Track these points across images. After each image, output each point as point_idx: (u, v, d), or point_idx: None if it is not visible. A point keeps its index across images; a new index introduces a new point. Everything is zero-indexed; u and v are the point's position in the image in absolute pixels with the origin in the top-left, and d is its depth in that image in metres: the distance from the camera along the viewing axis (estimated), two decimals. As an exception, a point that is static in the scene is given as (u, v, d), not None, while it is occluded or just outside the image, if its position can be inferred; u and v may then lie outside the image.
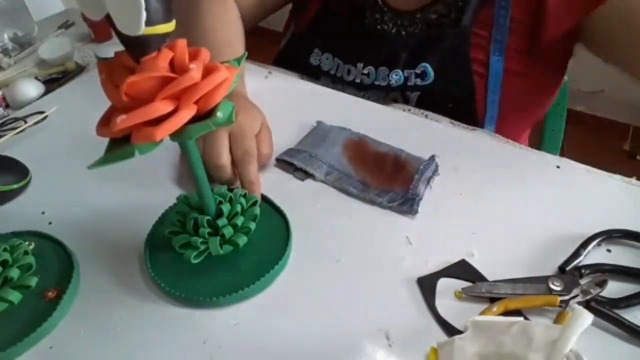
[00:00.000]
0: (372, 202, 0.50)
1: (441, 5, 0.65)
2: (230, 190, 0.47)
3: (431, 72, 0.65)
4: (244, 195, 0.46)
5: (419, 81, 0.66)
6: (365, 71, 0.69)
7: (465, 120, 0.62)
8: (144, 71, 0.29)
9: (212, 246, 0.42)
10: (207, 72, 0.31)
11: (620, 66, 0.58)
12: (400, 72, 0.67)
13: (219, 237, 0.43)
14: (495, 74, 0.64)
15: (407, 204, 0.49)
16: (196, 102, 0.31)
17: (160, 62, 0.30)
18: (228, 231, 0.43)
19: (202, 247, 0.43)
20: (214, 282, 0.43)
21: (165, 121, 0.30)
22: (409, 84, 0.67)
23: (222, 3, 0.71)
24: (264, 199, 0.51)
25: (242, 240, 0.44)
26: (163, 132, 0.30)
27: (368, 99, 0.67)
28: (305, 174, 0.54)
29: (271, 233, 0.47)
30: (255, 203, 0.46)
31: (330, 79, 0.72)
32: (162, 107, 0.30)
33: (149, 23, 0.27)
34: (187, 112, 0.31)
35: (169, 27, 0.29)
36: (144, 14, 0.26)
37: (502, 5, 0.62)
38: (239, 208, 0.44)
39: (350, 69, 0.70)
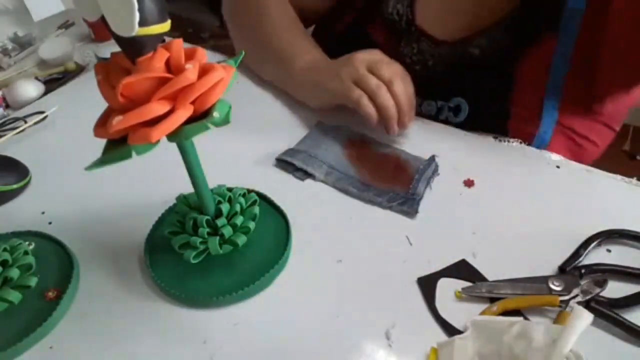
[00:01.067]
0: (372, 202, 0.50)
1: (485, 40, 0.58)
2: (230, 190, 0.47)
3: (466, 108, 0.61)
4: (243, 195, 0.46)
5: (451, 116, 0.62)
6: None
7: None
8: (140, 72, 0.29)
9: (212, 246, 0.42)
10: (203, 72, 0.31)
11: None
12: (434, 104, 0.63)
13: (218, 237, 0.43)
14: (550, 118, 0.58)
15: (407, 204, 0.49)
16: (192, 102, 0.31)
17: (156, 63, 0.30)
18: (227, 231, 0.43)
19: (202, 247, 0.43)
20: (214, 282, 0.43)
21: (162, 122, 0.30)
22: (440, 117, 0.63)
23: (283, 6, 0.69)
24: (264, 198, 0.51)
25: (242, 239, 0.44)
26: (159, 132, 0.30)
27: None
28: (305, 174, 0.54)
29: (271, 233, 0.47)
30: (254, 202, 0.46)
31: None
32: (158, 107, 0.30)
33: (143, 23, 0.26)
34: (184, 113, 0.31)
35: (164, 27, 0.28)
36: (137, 14, 0.25)
37: (562, 43, 0.55)
38: (238, 208, 0.44)
39: None
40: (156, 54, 0.30)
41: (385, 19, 0.65)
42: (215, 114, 0.32)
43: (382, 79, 0.53)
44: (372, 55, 0.56)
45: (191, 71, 0.30)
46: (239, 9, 0.71)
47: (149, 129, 0.30)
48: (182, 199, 0.45)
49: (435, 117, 0.63)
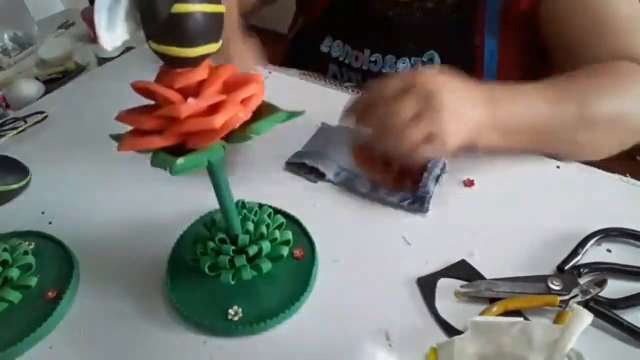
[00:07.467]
0: (383, 202, 0.50)
1: None
2: (258, 207, 0.46)
3: (438, 60, 0.65)
4: (269, 215, 0.45)
5: None
6: (373, 58, 0.69)
7: None
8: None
9: (244, 275, 0.41)
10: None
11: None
12: (408, 61, 0.67)
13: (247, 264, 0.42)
14: (490, 59, 0.63)
15: (418, 203, 0.49)
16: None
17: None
18: (266, 266, 0.42)
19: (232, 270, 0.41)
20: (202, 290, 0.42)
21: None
22: None
23: None
24: (289, 217, 0.49)
25: (267, 266, 0.42)
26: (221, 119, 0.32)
27: None
28: (317, 175, 0.53)
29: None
30: (281, 225, 0.45)
31: (338, 67, 0.72)
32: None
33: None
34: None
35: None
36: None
37: None
38: (264, 229, 0.43)
39: (358, 55, 0.70)
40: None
41: None
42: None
43: None
44: None
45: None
46: None
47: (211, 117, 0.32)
48: (207, 219, 0.45)
49: None
